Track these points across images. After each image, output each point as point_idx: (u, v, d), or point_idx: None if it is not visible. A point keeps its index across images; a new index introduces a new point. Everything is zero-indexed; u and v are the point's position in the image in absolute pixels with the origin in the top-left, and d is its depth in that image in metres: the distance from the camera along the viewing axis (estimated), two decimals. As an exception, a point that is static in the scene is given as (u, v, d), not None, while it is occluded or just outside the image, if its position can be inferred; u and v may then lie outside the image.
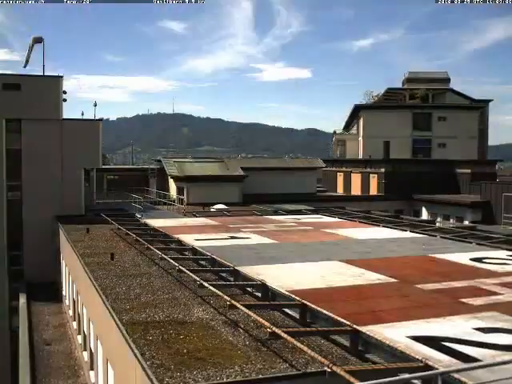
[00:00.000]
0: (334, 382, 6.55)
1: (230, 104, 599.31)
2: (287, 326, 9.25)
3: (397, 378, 6.21)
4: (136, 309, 10.50)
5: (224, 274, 13.40)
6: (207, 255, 14.96)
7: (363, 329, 8.22)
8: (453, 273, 13.38)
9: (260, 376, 7.17)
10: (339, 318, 8.73)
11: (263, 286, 11.34)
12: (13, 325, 24.27)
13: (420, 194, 37.59)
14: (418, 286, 11.93)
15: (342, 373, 6.43)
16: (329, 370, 6.58)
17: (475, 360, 7.11)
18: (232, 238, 19.50)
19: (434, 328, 8.69)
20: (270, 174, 38.82)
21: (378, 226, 23.51)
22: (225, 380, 7.05)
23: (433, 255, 16.03)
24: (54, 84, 28.33)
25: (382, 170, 42.26)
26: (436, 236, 20.08)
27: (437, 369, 6.51)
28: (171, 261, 13.99)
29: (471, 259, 15.21)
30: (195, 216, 27.46)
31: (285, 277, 12.58)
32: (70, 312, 19.72)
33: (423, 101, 56.62)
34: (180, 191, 36.14)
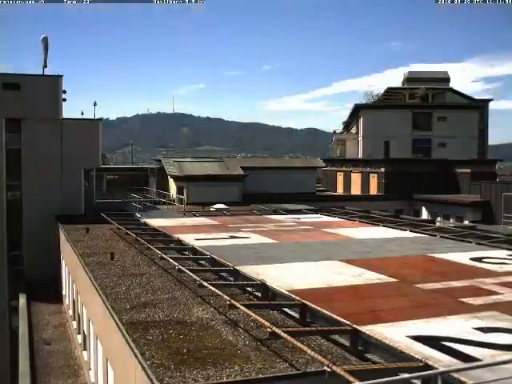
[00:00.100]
0: (333, 381, 6.55)
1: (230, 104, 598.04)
2: (287, 325, 9.26)
3: (397, 377, 6.21)
4: (136, 308, 10.50)
5: (224, 274, 13.40)
6: (207, 255, 14.96)
7: (363, 328, 8.22)
8: (453, 272, 13.38)
9: (260, 376, 7.17)
10: (339, 318, 8.73)
11: (263, 286, 11.34)
12: (13, 325, 24.24)
13: (420, 193, 37.60)
14: (418, 285, 11.93)
15: (342, 372, 6.42)
16: (329, 370, 6.58)
17: (475, 360, 7.12)
18: (232, 237, 19.50)
19: (434, 328, 8.69)
20: (270, 174, 38.86)
21: (378, 225, 23.51)
22: (225, 380, 7.05)
23: (432, 255, 16.03)
24: (54, 84, 28.34)
25: (382, 169, 42.29)
26: (436, 236, 20.07)
27: (437, 368, 6.51)
28: (171, 260, 13.99)
29: (471, 259, 15.21)
30: (195, 215, 27.47)
31: (285, 276, 12.57)
32: (70, 312, 19.73)
33: (423, 100, 56.57)
34: (180, 191, 36.15)
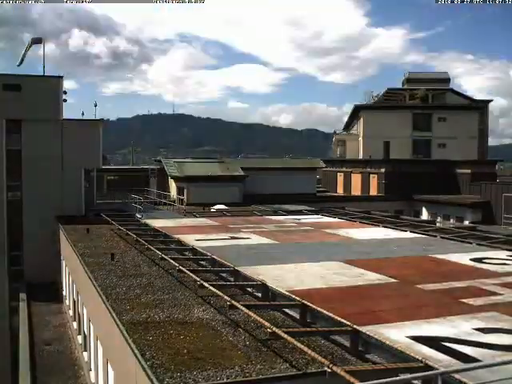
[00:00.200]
0: (334, 382, 6.55)
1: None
2: (287, 326, 9.25)
3: (397, 378, 6.22)
4: (136, 309, 10.50)
5: (224, 275, 13.41)
6: (207, 255, 14.97)
7: (363, 329, 8.23)
8: (453, 273, 13.38)
9: (260, 376, 7.17)
10: (339, 318, 8.74)
11: (263, 286, 11.35)
12: (13, 325, 24.26)
13: (420, 194, 37.58)
14: (418, 286, 11.93)
15: (342, 373, 6.43)
16: (329, 370, 6.58)
17: (475, 360, 7.12)
18: (232, 238, 19.50)
19: (434, 328, 8.69)
20: (270, 174, 38.81)
21: (378, 226, 23.52)
22: (225, 380, 7.06)
23: (433, 255, 16.03)
24: (54, 84, 28.35)
25: (382, 170, 42.27)
26: (436, 236, 20.07)
27: (437, 369, 6.51)
28: (171, 261, 13.99)
29: (471, 259, 15.21)
30: (195, 216, 27.47)
31: (285, 277, 12.57)
32: (70, 312, 19.73)
33: (423, 101, 56.61)
34: (180, 191, 36.15)
